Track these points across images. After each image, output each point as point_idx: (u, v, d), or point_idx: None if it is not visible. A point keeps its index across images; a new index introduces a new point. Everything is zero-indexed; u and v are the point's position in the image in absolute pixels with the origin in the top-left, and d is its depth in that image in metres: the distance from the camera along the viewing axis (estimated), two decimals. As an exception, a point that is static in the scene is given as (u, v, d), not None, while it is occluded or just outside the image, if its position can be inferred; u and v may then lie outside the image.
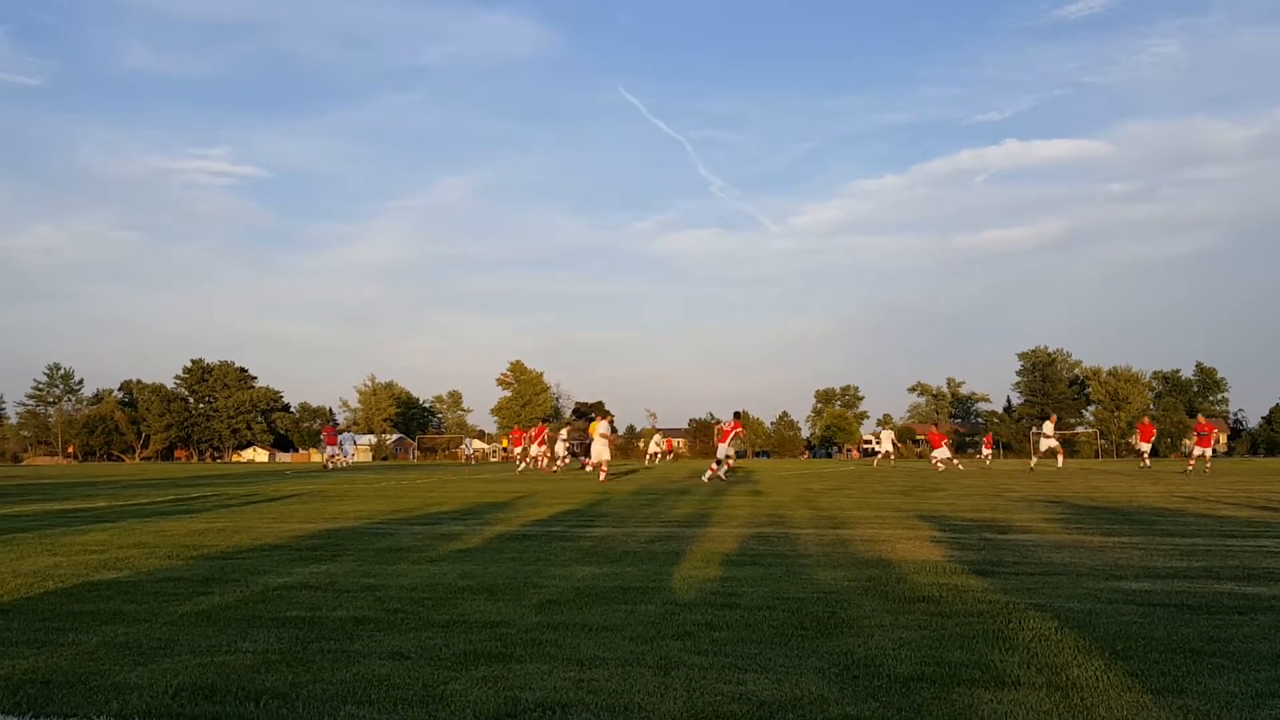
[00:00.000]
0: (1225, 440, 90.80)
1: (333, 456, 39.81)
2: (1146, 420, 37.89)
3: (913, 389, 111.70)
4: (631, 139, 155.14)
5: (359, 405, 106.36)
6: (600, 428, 24.35)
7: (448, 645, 4.15)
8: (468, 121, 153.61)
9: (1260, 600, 5.14)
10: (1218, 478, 23.09)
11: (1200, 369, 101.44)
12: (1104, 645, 4.07)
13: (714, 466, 22.58)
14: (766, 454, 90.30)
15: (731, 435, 23.74)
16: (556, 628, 4.50)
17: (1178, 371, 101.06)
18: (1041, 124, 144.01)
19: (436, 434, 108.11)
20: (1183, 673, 3.61)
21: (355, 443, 37.61)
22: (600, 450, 23.78)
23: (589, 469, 46.10)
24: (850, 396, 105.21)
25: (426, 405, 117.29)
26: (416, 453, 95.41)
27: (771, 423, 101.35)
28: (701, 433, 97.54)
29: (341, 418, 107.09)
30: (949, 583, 5.82)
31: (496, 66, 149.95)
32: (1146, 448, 33.91)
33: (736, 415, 24.61)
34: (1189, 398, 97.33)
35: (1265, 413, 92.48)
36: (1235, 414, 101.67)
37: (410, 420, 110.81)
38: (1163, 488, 17.86)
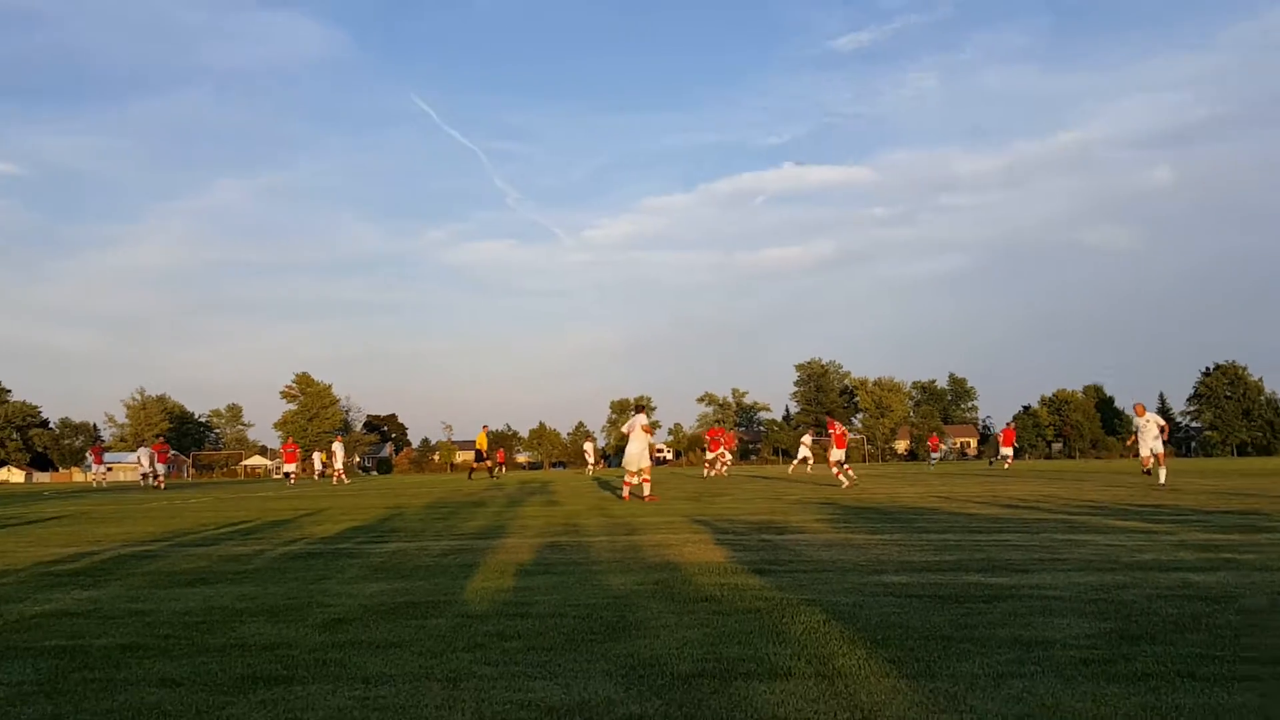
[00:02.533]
0: (975, 444, 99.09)
1: (102, 475, 36.78)
2: (1009, 427, 42.13)
3: (701, 399, 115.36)
4: (425, 147, 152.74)
5: (127, 420, 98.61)
6: (638, 422, 17.33)
7: (224, 670, 3.98)
8: (251, 122, 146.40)
9: (1002, 589, 5.70)
10: (967, 478, 25.18)
11: (953, 379, 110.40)
12: (866, 635, 4.41)
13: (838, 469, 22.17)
14: (563, 464, 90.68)
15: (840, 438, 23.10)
16: (342, 647, 4.41)
17: (934, 381, 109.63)
18: (815, 149, 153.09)
19: (214, 450, 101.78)
20: (934, 658, 3.96)
21: (154, 460, 34.16)
22: (639, 455, 17.10)
23: (589, 471, 44.39)
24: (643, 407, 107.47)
25: (203, 420, 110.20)
26: (191, 470, 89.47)
27: (568, 434, 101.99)
28: (497, 444, 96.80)
29: (108, 434, 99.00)
30: (730, 582, 6.12)
31: (282, 67, 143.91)
32: (1009, 451, 39.64)
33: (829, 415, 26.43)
34: (944, 405, 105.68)
35: (1009, 419, 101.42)
36: (984, 420, 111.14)
37: (185, 436, 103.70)
38: (921, 488, 19.34)
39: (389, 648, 4.37)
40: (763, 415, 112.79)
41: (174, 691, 3.65)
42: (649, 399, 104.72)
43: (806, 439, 39.25)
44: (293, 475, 36.01)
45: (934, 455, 43.78)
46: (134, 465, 42.53)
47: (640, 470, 16.83)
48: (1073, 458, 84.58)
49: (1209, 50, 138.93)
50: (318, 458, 49.13)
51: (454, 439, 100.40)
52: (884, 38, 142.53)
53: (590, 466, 44.20)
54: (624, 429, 17.85)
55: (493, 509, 15.29)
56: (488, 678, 3.76)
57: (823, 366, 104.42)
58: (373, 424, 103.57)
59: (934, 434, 52.53)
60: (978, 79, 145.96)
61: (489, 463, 37.14)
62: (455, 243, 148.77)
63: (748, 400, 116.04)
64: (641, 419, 17.28)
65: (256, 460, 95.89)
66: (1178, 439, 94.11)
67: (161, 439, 38.16)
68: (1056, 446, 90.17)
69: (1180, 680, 3.52)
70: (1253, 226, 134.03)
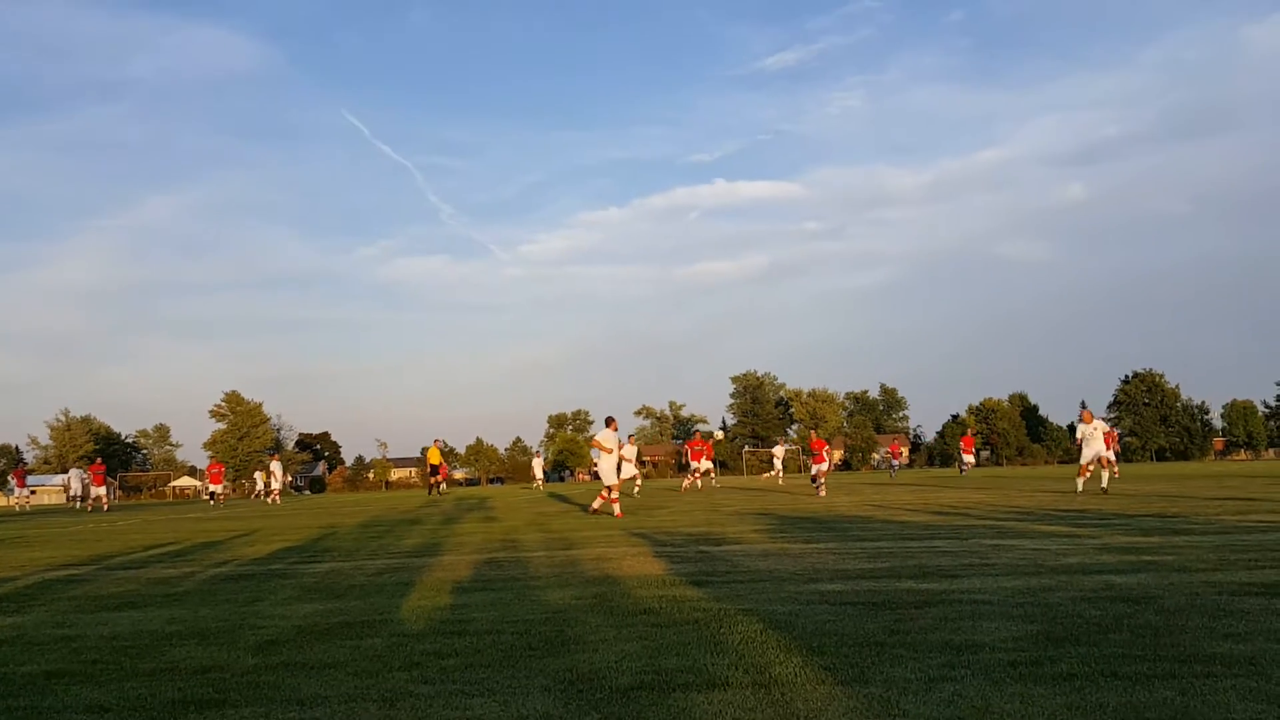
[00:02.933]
0: (907, 453, 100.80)
1: (25, 498, 35.48)
2: (970, 434, 43.62)
3: (639, 412, 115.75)
4: (357, 163, 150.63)
5: (51, 442, 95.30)
6: (602, 439, 16.42)
7: (154, 695, 3.89)
8: (179, 137, 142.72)
9: (934, 595, 5.83)
10: (899, 488, 25.60)
11: (884, 389, 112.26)
12: (802, 643, 4.47)
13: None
14: (500, 480, 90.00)
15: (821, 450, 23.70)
16: (275, 669, 4.33)
17: (866, 392, 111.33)
18: (746, 166, 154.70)
19: (142, 471, 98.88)
20: (868, 663, 4.04)
21: (87, 482, 32.79)
22: (609, 469, 16.14)
23: (535, 487, 43.43)
24: (581, 420, 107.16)
25: (130, 440, 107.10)
26: (119, 492, 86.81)
27: (505, 449, 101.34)
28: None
29: (30, 456, 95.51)
30: (668, 594, 6.15)
31: (211, 82, 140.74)
32: (971, 459, 39.98)
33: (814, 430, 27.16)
34: (876, 415, 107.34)
35: (939, 428, 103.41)
36: (915, 429, 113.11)
37: (111, 457, 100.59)
38: (856, 498, 19.62)
39: (323, 669, 4.31)
40: (700, 427, 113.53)
41: (102, 718, 3.55)
42: (586, 412, 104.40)
43: (779, 450, 38.84)
44: (219, 496, 35.09)
45: (895, 463, 44.45)
46: (59, 488, 41.05)
47: (614, 485, 16.08)
48: (1000, 465, 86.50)
49: (1120, 70, 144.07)
50: (259, 477, 47.89)
51: (389, 456, 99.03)
52: (809, 58, 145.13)
53: (538, 482, 43.90)
54: (597, 446, 16.47)
55: (429, 526, 15.13)
56: (424, 696, 3.73)
57: (758, 378, 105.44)
58: (305, 442, 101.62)
59: (895, 442, 53.12)
60: (901, 98, 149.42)
61: (442, 476, 36.84)
62: (388, 259, 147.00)
63: (685, 412, 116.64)
64: (605, 435, 16.42)
65: (185, 481, 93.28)
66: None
67: (98, 460, 36.75)
68: (985, 454, 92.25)
69: (1104, 680, 3.64)
70: (1162, 238, 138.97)
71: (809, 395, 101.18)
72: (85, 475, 34.68)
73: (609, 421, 16.72)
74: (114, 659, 4.67)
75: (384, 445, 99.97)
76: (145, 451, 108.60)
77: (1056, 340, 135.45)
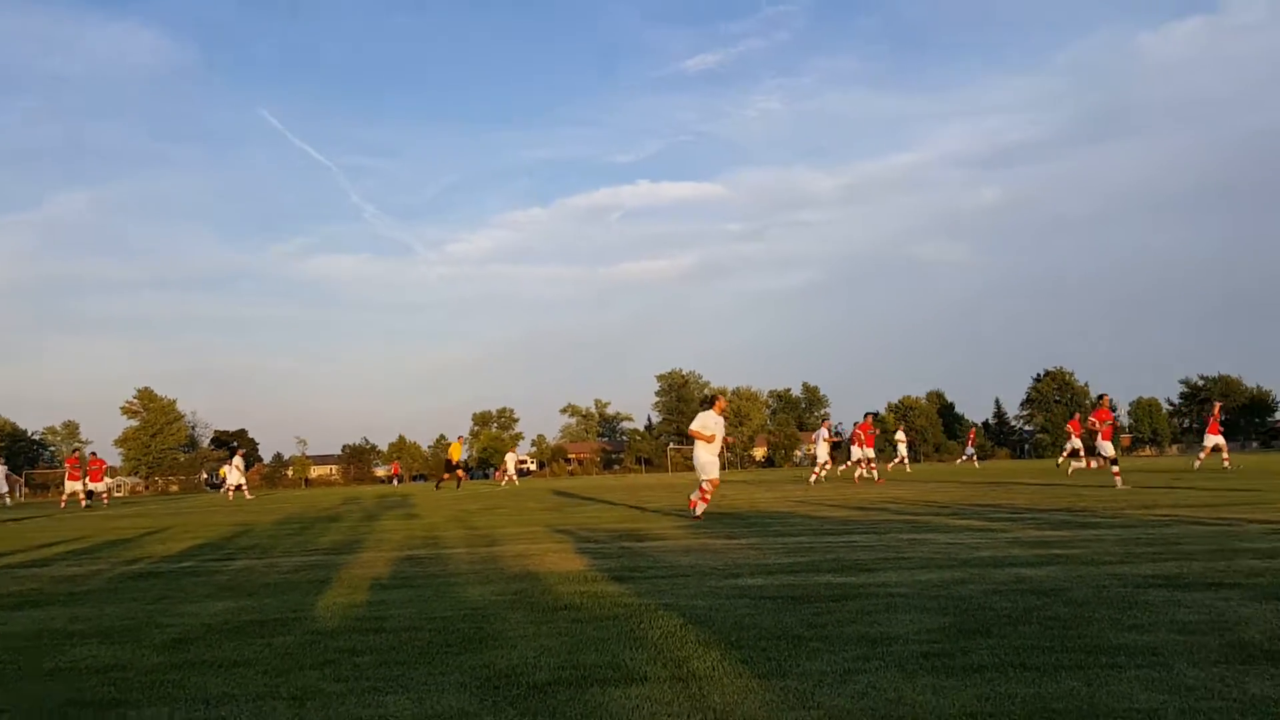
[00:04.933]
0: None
1: None
2: (974, 428, 44.70)
3: (564, 410, 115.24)
4: (277, 162, 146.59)
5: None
6: (702, 422, 12.90)
7: (50, 695, 3.73)
8: (90, 134, 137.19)
9: (851, 588, 5.91)
10: (827, 485, 25.98)
11: (806, 387, 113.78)
12: (721, 637, 4.49)
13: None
14: (424, 477, 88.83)
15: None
16: (181, 667, 4.19)
17: (788, 390, 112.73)
18: (669, 167, 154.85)
19: (49, 469, 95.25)
20: (785, 657, 4.07)
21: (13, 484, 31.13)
22: (709, 462, 12.92)
23: (505, 484, 40.19)
24: (506, 418, 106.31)
25: (36, 437, 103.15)
26: (24, 490, 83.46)
27: (429, 446, 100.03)
28: (355, 458, 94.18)
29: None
30: (589, 590, 6.12)
31: (123, 78, 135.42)
32: (973, 450, 43.44)
33: (868, 415, 26.81)
34: (798, 413, 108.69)
35: (859, 416, 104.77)
36: (837, 426, 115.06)
37: (16, 455, 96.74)
38: (778, 494, 19.85)
39: (232, 667, 4.19)
40: (625, 425, 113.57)
41: (-10, 723, 3.40)
42: (510, 410, 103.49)
43: (824, 434, 28.95)
44: (98, 496, 33.23)
45: (969, 450, 44.54)
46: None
47: (708, 483, 12.85)
48: (918, 461, 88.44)
49: (1031, 75, 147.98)
50: (230, 473, 45.46)
51: (308, 454, 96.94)
52: (729, 60, 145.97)
53: (509, 478, 41.22)
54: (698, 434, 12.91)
55: (348, 523, 14.86)
56: (336, 694, 3.65)
57: (683, 376, 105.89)
58: (221, 440, 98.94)
59: (971, 430, 52.71)
60: (818, 101, 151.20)
61: (460, 473, 36.46)
62: (306, 255, 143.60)
63: (610, 410, 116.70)
64: (708, 418, 12.88)
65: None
66: (1012, 441, 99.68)
67: (93, 454, 34.55)
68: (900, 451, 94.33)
69: (1013, 671, 3.72)
70: (1071, 240, 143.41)
71: (733, 393, 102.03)
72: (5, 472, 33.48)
73: (711, 402, 13.13)
74: (10, 658, 4.48)
75: (303, 442, 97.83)
76: (53, 448, 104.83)
77: (971, 339, 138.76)
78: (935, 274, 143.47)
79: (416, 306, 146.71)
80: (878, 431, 29.14)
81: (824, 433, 28.34)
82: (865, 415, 27.70)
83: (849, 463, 27.77)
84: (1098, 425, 19.27)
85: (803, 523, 11.41)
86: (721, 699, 3.44)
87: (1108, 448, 19.65)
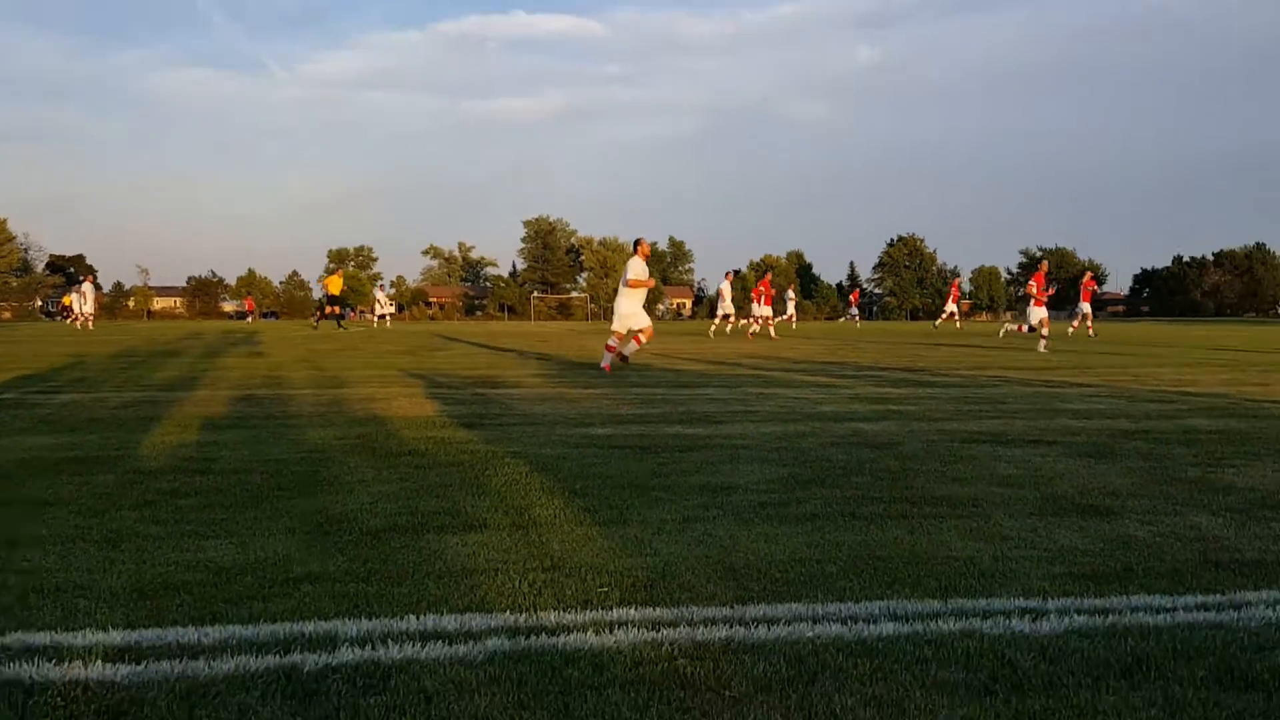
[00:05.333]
0: (690, 305, 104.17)
1: None
2: (856, 290, 48.66)
3: (426, 251, 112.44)
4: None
5: None
6: (639, 269, 11.95)
7: None
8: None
9: (697, 440, 6.00)
10: (682, 338, 26.40)
11: (672, 241, 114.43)
12: (565, 486, 4.48)
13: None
14: (275, 315, 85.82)
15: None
16: (-17, 508, 3.90)
17: (655, 244, 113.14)
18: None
19: None
20: (628, 505, 4.09)
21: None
22: (633, 313, 12.07)
23: (377, 324, 37.88)
24: (364, 258, 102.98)
25: None
26: None
27: (280, 282, 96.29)
28: (201, 291, 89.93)
29: None
30: (436, 435, 6.02)
31: None
32: (856, 310, 45.34)
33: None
34: (663, 268, 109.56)
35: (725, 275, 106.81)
36: (699, 282, 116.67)
37: None
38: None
39: (43, 506, 3.94)
40: (489, 271, 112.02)
41: None
42: (370, 249, 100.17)
43: (725, 287, 27.72)
44: None
45: (853, 310, 44.83)
46: None
47: (634, 333, 12.09)
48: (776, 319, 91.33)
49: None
50: (73, 299, 41.84)
51: (150, 284, 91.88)
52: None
53: (386, 315, 39.16)
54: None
55: (188, 359, 14.21)
56: (153, 537, 3.45)
57: (550, 224, 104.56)
58: (56, 265, 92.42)
59: (855, 290, 52.69)
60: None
61: (338, 308, 33.77)
62: (151, 69, 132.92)
63: (474, 255, 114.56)
64: (635, 265, 11.96)
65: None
66: (862, 304, 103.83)
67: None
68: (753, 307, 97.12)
69: (843, 519, 3.84)
70: (931, 108, 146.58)
71: (600, 244, 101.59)
72: None
73: (637, 247, 12.21)
74: None
75: (145, 272, 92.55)
76: None
77: (832, 202, 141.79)
78: (803, 133, 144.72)
79: (269, 132, 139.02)
80: (775, 292, 28.95)
81: (727, 286, 27.75)
82: (765, 272, 27.93)
83: (749, 318, 27.62)
84: (1034, 289, 18.87)
85: (659, 375, 11.54)
86: (560, 546, 3.42)
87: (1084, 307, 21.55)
